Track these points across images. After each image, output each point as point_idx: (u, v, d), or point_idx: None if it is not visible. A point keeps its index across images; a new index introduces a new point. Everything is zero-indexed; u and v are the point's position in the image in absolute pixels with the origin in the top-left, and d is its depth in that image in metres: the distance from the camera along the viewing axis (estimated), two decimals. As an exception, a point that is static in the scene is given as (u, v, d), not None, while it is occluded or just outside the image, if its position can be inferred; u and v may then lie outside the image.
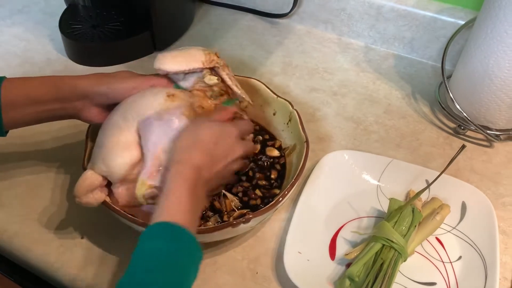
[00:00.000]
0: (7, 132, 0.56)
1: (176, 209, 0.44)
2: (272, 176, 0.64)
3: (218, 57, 0.59)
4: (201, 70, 0.59)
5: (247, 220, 0.52)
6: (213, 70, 0.59)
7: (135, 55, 0.86)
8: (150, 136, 0.52)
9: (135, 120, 0.53)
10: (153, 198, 0.53)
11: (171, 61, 0.58)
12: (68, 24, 0.85)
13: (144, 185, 0.52)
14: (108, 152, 0.53)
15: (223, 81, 0.59)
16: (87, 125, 0.61)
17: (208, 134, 0.51)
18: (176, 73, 0.59)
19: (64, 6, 0.89)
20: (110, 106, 0.57)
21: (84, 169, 0.55)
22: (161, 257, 0.41)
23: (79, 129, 0.70)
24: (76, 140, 0.69)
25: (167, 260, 0.41)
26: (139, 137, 0.54)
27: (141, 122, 0.53)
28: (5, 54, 0.85)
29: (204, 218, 0.58)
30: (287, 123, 0.66)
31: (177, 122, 0.53)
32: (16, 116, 0.54)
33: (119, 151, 0.53)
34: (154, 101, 0.54)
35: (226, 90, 0.60)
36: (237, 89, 0.60)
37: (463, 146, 0.58)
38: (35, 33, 0.90)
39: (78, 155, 0.59)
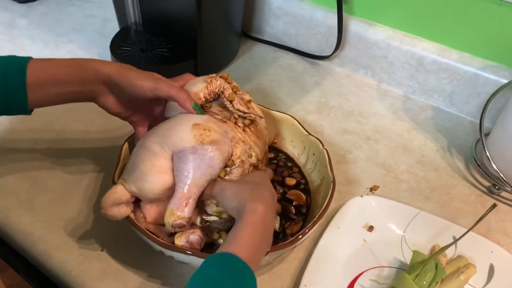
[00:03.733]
0: (31, 111, 0.58)
1: (240, 243, 0.46)
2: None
3: (228, 81, 0.63)
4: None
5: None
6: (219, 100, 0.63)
7: (177, 81, 0.89)
8: (183, 169, 0.54)
9: (171, 150, 0.55)
10: (180, 227, 0.53)
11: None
12: (119, 45, 0.90)
13: (173, 215, 0.53)
14: (141, 175, 0.54)
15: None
16: (123, 140, 0.64)
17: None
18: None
19: (118, 29, 0.94)
20: (127, 99, 0.59)
21: (114, 183, 0.57)
22: (214, 285, 0.43)
23: (115, 144, 0.72)
24: (111, 154, 0.71)
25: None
26: (173, 164, 0.55)
27: (176, 153, 0.55)
28: (57, 67, 0.90)
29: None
30: (316, 162, 0.66)
31: (211, 158, 0.54)
32: (39, 96, 0.56)
33: (153, 176, 0.54)
34: (189, 134, 0.55)
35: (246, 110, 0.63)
36: (249, 110, 0.62)
37: (494, 205, 0.56)
38: (87, 51, 0.95)
39: (111, 170, 0.61)
